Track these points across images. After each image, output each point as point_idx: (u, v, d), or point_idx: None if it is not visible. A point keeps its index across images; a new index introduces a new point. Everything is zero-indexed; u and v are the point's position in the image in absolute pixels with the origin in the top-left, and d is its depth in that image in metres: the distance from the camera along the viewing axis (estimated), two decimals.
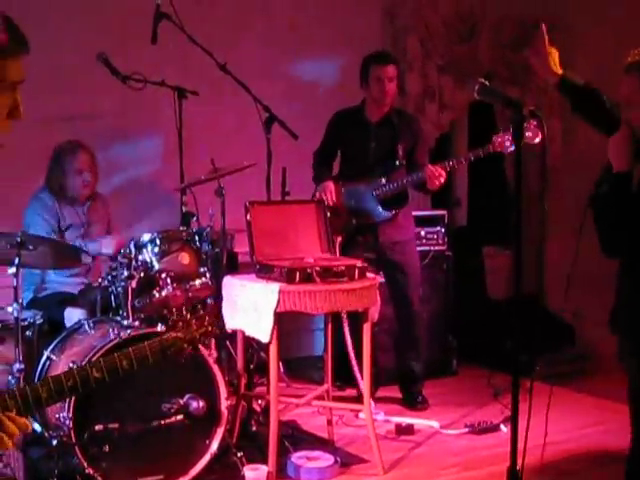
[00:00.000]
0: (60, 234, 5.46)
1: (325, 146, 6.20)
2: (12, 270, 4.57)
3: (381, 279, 5.47)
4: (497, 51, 7.91)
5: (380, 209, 5.91)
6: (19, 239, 4.55)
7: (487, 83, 2.67)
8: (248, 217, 4.98)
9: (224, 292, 4.99)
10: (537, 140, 4.59)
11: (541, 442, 3.50)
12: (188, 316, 2.64)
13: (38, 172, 5.55)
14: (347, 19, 7.36)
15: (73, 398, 4.30)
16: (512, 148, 4.86)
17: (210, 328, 2.64)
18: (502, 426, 5.44)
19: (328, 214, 5.33)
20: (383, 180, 5.88)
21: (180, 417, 4.49)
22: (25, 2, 6.06)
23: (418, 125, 6.23)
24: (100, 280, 5.05)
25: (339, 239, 5.67)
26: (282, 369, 6.15)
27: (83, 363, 4.38)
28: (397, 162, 5.86)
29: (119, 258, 4.93)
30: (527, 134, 4.53)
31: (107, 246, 5.41)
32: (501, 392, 6.03)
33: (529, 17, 8.01)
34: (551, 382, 4.38)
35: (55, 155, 5.44)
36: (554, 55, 3.68)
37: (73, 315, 5.20)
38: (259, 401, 5.49)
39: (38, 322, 4.89)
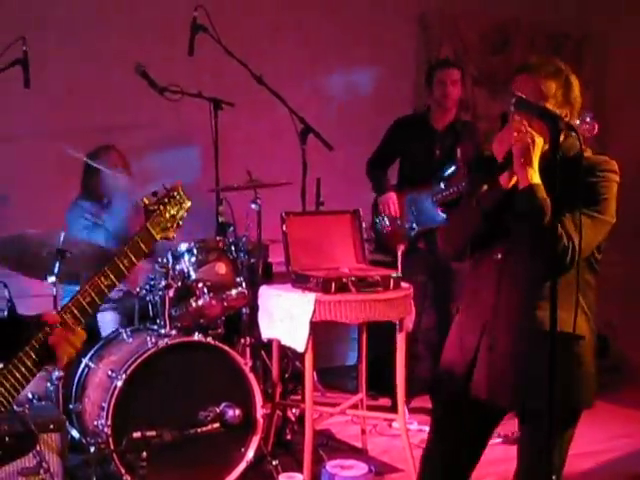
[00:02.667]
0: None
1: (383, 153, 6.24)
2: (52, 279, 4.64)
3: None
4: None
5: (439, 214, 5.91)
6: (59, 246, 4.61)
7: (523, 95, 2.69)
8: (284, 228, 5.01)
9: (260, 302, 5.02)
10: (595, 131, 4.53)
11: (574, 452, 3.50)
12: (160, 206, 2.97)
13: (77, 182, 5.63)
14: (381, 30, 7.39)
15: (112, 406, 4.37)
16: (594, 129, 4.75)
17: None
18: None
19: (388, 224, 5.37)
20: (442, 185, 5.89)
21: (216, 425, 4.50)
22: (63, 15, 6.15)
23: (480, 135, 6.23)
24: (138, 289, 5.10)
25: (401, 247, 5.65)
26: (316, 378, 6.17)
27: (124, 373, 4.44)
28: (455, 167, 5.85)
29: (157, 267, 4.98)
30: (584, 127, 4.49)
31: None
32: None
33: (561, 28, 8.03)
34: None
35: (89, 158, 5.48)
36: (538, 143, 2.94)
37: (106, 319, 5.26)
38: (294, 410, 5.51)
39: None
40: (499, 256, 3.12)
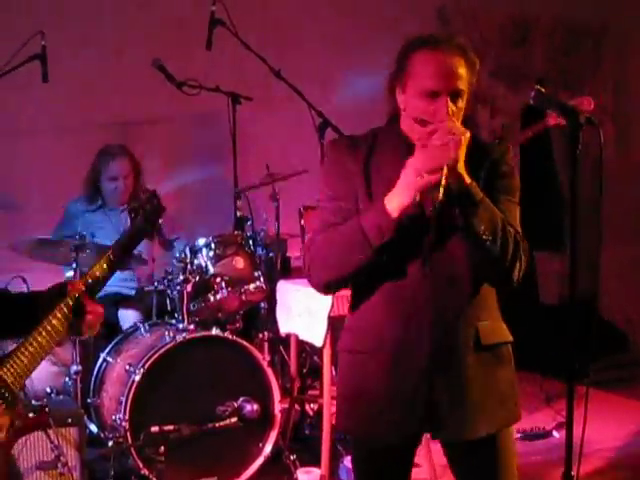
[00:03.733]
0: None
1: None
2: (70, 274, 4.67)
3: None
4: (549, 56, 7.88)
5: None
6: (77, 242, 4.66)
7: (543, 89, 2.66)
8: (302, 222, 5.01)
9: (278, 296, 5.02)
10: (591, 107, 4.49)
11: (595, 448, 3.49)
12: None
13: None
14: (399, 23, 7.35)
15: (129, 401, 4.37)
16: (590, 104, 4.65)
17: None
18: (554, 432, 5.41)
19: None
20: None
21: (234, 420, 4.51)
22: (82, 10, 6.16)
23: None
24: (156, 283, 5.12)
25: None
26: (334, 373, 6.17)
27: (142, 367, 4.45)
28: None
29: (175, 262, 4.99)
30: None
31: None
32: (553, 398, 6.00)
33: (581, 22, 7.99)
34: (604, 388, 4.37)
35: (95, 158, 5.49)
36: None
37: (127, 316, 5.28)
38: (312, 405, 5.51)
39: None
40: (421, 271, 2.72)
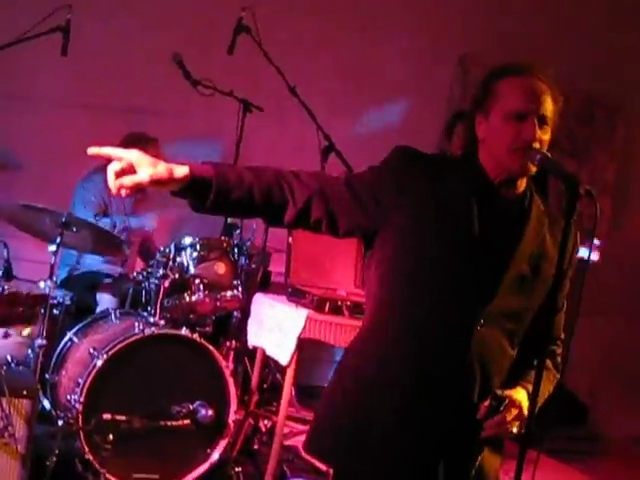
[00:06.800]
0: (104, 215, 5.56)
1: None
2: (52, 248, 4.65)
3: None
4: (563, 121, 7.92)
5: None
6: (64, 219, 4.65)
7: (549, 154, 2.66)
8: (290, 239, 5.01)
9: (253, 308, 5.03)
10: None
11: None
12: None
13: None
14: (421, 63, 7.41)
15: (87, 384, 4.36)
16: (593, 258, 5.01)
17: None
18: None
19: None
20: None
21: (187, 421, 4.51)
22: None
23: None
24: (135, 273, 5.13)
25: None
26: (294, 394, 6.17)
27: (106, 354, 4.44)
28: None
29: (157, 256, 4.99)
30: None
31: (150, 221, 5.50)
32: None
33: (598, 93, 8.03)
34: (556, 457, 4.35)
35: (122, 142, 5.51)
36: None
37: (104, 300, 5.28)
38: (266, 421, 5.51)
39: (67, 303, 4.96)
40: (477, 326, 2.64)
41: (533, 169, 2.63)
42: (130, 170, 2.30)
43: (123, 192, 2.29)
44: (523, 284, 2.67)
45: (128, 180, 2.28)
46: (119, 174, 2.29)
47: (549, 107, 2.64)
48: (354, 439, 2.72)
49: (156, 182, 2.33)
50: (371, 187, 2.68)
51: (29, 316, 4.74)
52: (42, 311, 4.59)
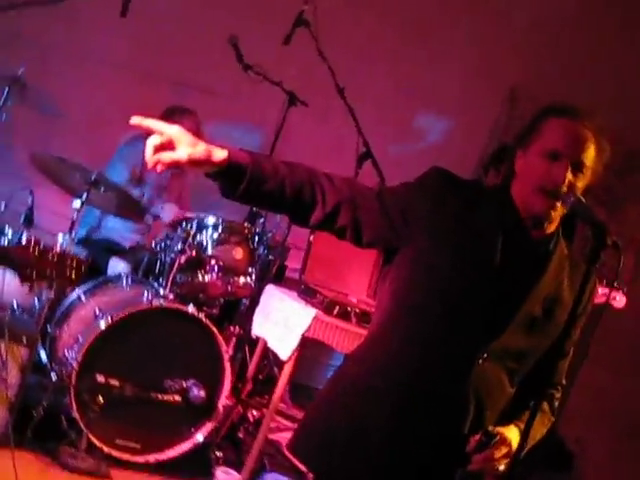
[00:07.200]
0: (137, 183, 5.59)
1: None
2: (77, 204, 4.67)
3: None
4: (604, 171, 7.88)
5: None
6: (94, 178, 4.67)
7: (583, 199, 2.65)
8: (311, 238, 5.01)
9: (262, 298, 5.03)
10: (621, 306, 4.98)
11: None
12: None
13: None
14: (473, 88, 7.38)
15: (87, 343, 4.37)
16: (622, 303, 5.17)
17: None
18: None
19: None
20: None
21: (178, 398, 4.52)
22: None
23: None
24: (154, 243, 5.14)
25: None
26: (288, 390, 6.16)
27: (110, 317, 4.45)
28: None
29: (179, 231, 5.00)
30: (617, 298, 4.92)
31: (167, 213, 5.49)
32: None
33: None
34: None
35: (163, 113, 5.54)
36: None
37: (117, 266, 5.29)
38: (254, 412, 5.51)
39: None
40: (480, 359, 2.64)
41: (559, 211, 2.62)
42: (169, 146, 2.30)
43: (159, 168, 2.28)
44: (533, 325, 2.66)
45: (167, 156, 2.28)
46: (158, 149, 2.29)
47: (589, 155, 2.62)
48: (342, 445, 2.72)
49: (194, 162, 2.33)
50: (402, 204, 2.67)
51: (42, 268, 4.75)
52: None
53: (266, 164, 2.49)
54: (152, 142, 2.28)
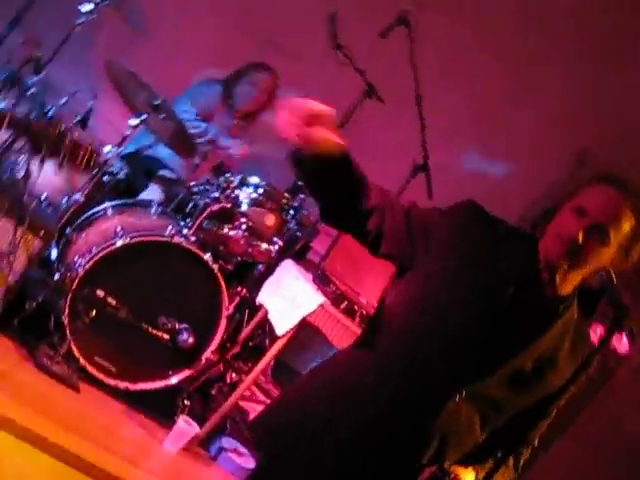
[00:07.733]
0: (204, 119, 5.64)
1: None
2: (134, 122, 4.69)
3: None
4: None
5: None
6: (158, 103, 4.69)
7: (614, 277, 2.64)
8: None
9: (278, 270, 5.04)
10: (624, 350, 4.71)
11: None
12: None
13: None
14: (546, 136, 7.33)
15: (98, 256, 4.39)
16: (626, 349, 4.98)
17: None
18: None
19: None
20: None
21: (166, 336, 4.54)
22: None
23: None
24: (193, 183, 5.16)
25: None
26: (272, 365, 6.18)
27: (130, 238, 4.47)
28: None
29: (220, 180, 5.02)
30: (623, 340, 4.65)
31: (236, 147, 5.54)
32: None
33: None
34: None
35: (246, 65, 5.58)
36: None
37: (153, 192, 5.32)
38: (234, 375, 5.52)
39: (120, 177, 5.00)
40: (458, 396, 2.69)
41: (574, 274, 2.62)
42: (315, 120, 2.39)
43: (297, 137, 2.37)
44: (518, 379, 2.67)
45: (330, 137, 2.38)
46: (311, 118, 2.36)
47: (618, 226, 2.63)
48: (293, 438, 2.75)
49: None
50: (427, 226, 2.71)
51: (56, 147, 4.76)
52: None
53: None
54: (317, 105, 2.38)
